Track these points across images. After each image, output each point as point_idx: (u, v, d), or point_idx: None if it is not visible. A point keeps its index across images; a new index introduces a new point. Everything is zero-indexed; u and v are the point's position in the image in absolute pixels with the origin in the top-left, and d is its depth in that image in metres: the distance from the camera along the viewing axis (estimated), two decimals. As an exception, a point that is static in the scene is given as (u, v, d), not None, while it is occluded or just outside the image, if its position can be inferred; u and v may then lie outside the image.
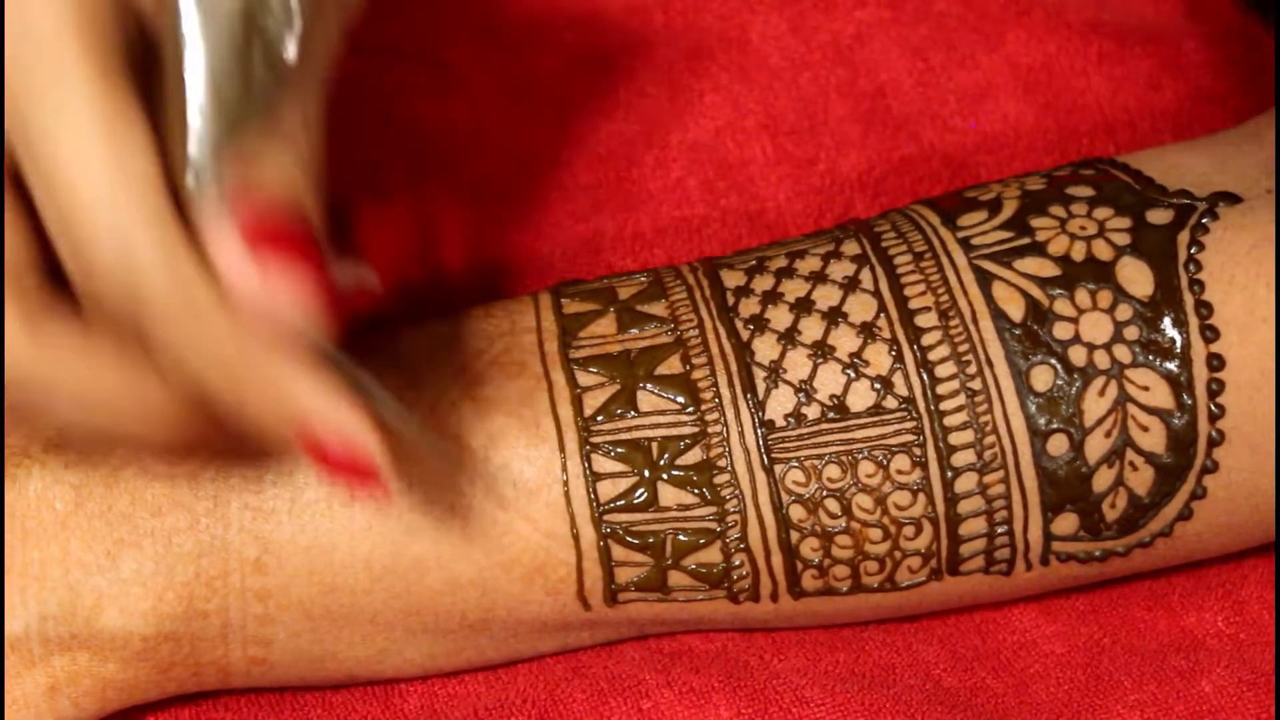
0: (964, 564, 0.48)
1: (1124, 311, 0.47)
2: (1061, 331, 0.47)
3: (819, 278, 0.48)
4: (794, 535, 0.47)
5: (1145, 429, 0.47)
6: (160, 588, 0.46)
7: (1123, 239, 0.48)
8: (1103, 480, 0.47)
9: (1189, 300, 0.47)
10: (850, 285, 0.48)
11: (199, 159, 0.39)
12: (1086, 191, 0.49)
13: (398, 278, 0.55)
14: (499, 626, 0.48)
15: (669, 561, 0.47)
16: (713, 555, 0.47)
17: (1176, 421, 0.47)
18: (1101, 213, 0.48)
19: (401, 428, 0.44)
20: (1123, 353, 0.47)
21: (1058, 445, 0.47)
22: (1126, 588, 0.52)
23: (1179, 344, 0.47)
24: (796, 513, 0.47)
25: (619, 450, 0.47)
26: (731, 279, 0.49)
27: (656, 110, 0.58)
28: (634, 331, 0.48)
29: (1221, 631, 0.51)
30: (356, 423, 0.41)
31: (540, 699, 0.48)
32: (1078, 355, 0.47)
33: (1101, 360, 0.47)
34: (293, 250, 0.40)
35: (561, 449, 0.47)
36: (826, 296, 0.48)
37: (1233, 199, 0.48)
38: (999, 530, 0.47)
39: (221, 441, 0.43)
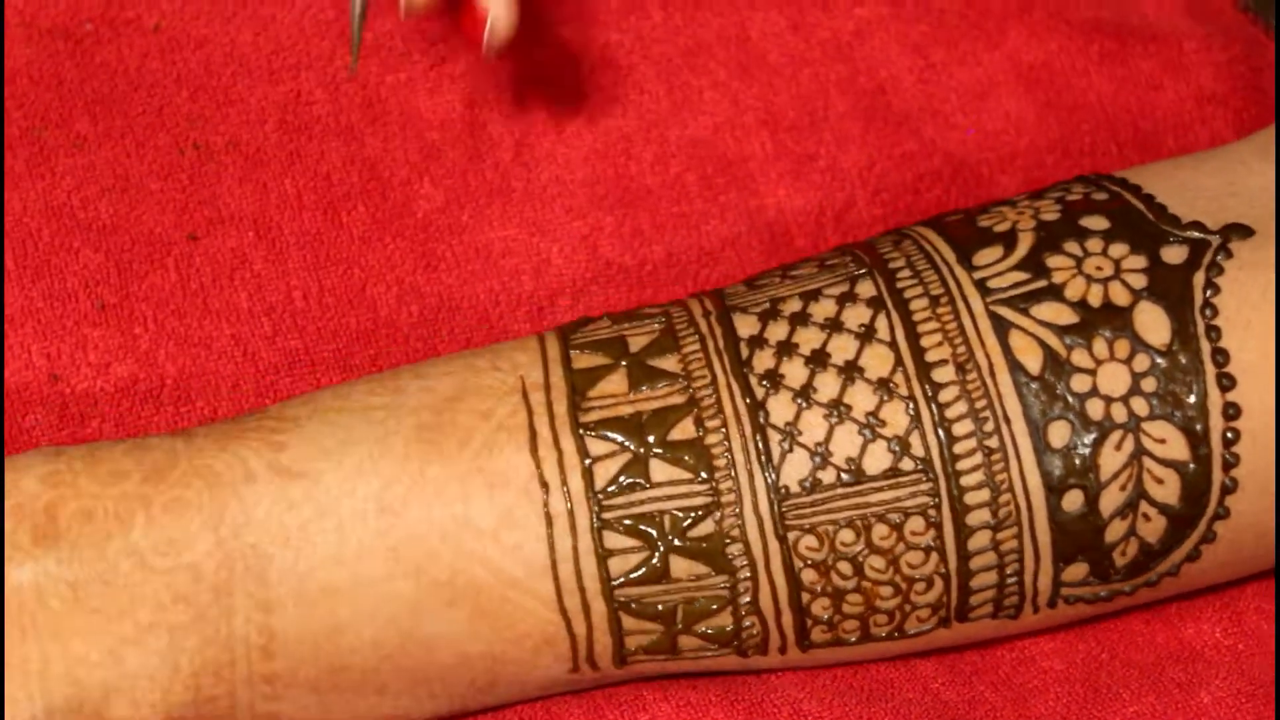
0: (973, 612, 0.47)
1: (1141, 362, 0.46)
2: (1079, 384, 0.46)
3: (834, 326, 0.47)
4: (805, 596, 0.46)
5: (1160, 481, 0.46)
6: (167, 680, 0.45)
7: (1139, 281, 0.47)
8: (1115, 531, 0.47)
9: (1206, 348, 0.46)
10: (866, 335, 0.47)
11: None
12: (1101, 224, 0.48)
13: (396, 280, 0.54)
14: (506, 687, 0.48)
15: (679, 628, 0.47)
16: (724, 620, 0.47)
17: (1191, 472, 0.46)
18: (1117, 250, 0.48)
19: None
20: (1140, 405, 0.46)
21: (1073, 500, 0.46)
22: (1124, 606, 0.51)
23: (1195, 394, 0.46)
24: (808, 576, 0.46)
25: (631, 525, 0.46)
26: (745, 326, 0.48)
27: (655, 106, 0.57)
28: (645, 390, 0.47)
29: (1220, 643, 0.51)
30: None
31: (537, 715, 0.48)
32: (1095, 409, 0.46)
33: (1119, 414, 0.46)
34: None
35: (573, 528, 0.46)
36: (842, 349, 0.47)
37: (1245, 231, 0.48)
38: (1009, 580, 0.47)
39: None
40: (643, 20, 0.58)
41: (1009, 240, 0.48)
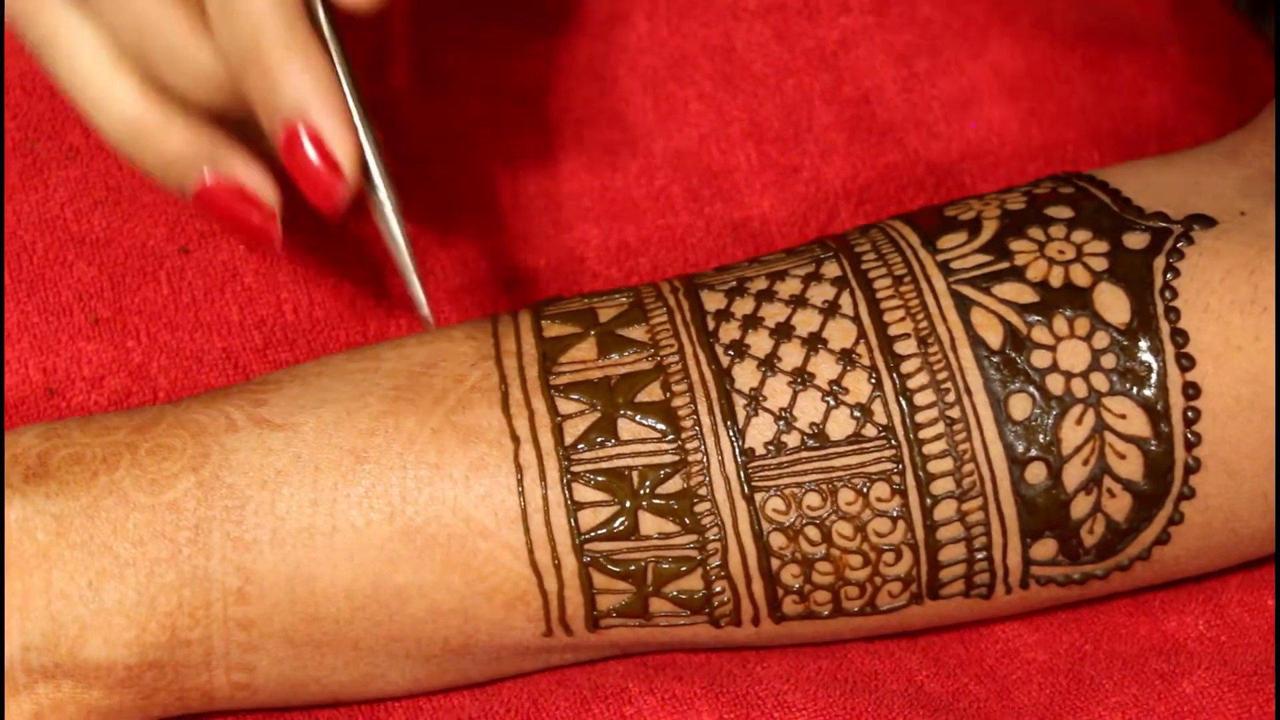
0: (944, 588, 0.48)
1: (1101, 339, 0.47)
2: (1039, 360, 0.47)
3: (799, 301, 0.48)
4: (774, 562, 0.47)
5: (1122, 456, 0.47)
6: (143, 618, 0.46)
7: (1100, 264, 0.48)
8: (1081, 507, 0.47)
9: (1165, 328, 0.47)
10: (830, 310, 0.48)
11: None
12: (1065, 213, 0.49)
13: (378, 287, 0.55)
14: (481, 650, 0.48)
15: (650, 589, 0.47)
16: (694, 583, 0.47)
17: (1153, 449, 0.47)
18: (1079, 235, 0.48)
19: (378, 186, 0.46)
20: (1100, 381, 0.47)
21: (1036, 473, 0.47)
22: (1108, 598, 0.52)
23: (1155, 372, 0.47)
24: (777, 540, 0.47)
25: (600, 479, 0.47)
26: (712, 301, 0.49)
27: (640, 118, 0.58)
28: (614, 357, 0.48)
29: (1202, 635, 0.51)
30: (344, 147, 0.44)
31: (524, 708, 0.48)
32: (1055, 383, 0.47)
33: (1079, 389, 0.47)
34: None
35: (543, 478, 0.47)
36: (806, 322, 0.48)
37: (1208, 222, 0.48)
38: (978, 556, 0.47)
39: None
40: (628, 32, 0.59)
41: (974, 227, 0.49)
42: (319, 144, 0.44)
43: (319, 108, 0.43)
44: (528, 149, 0.57)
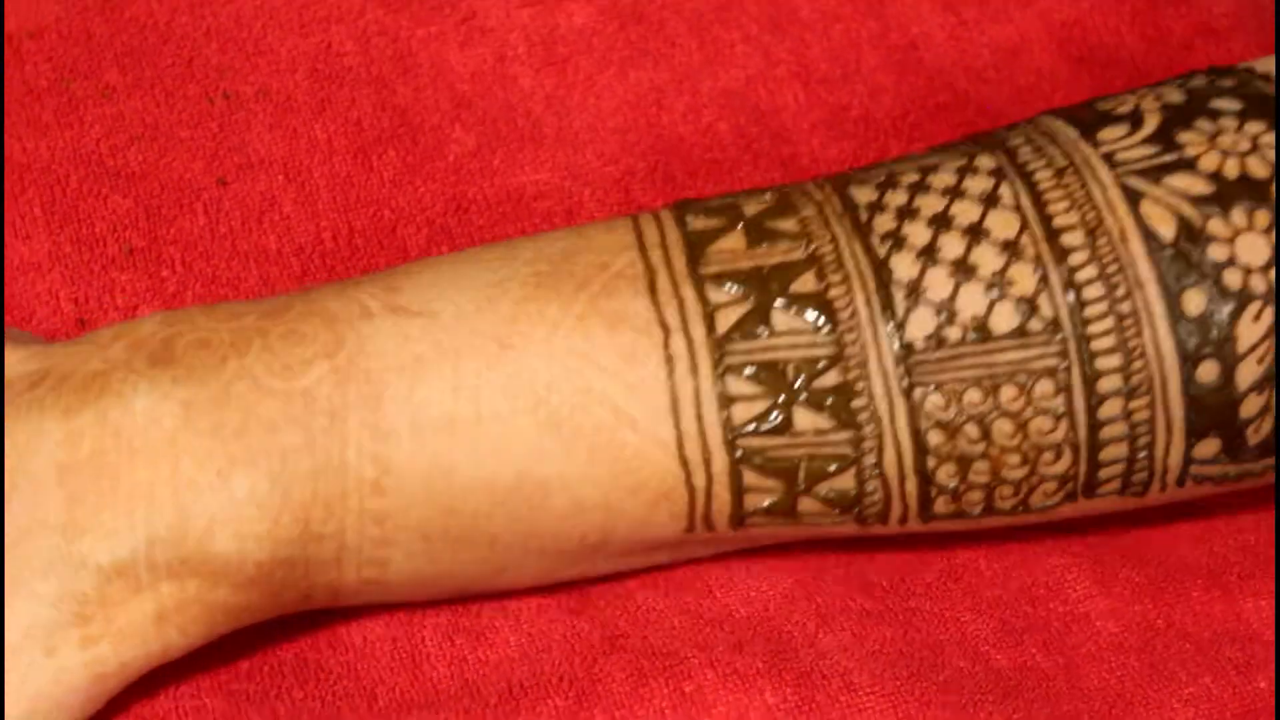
0: (1101, 486, 0.47)
1: None
2: (1216, 253, 0.45)
3: (955, 193, 0.47)
4: (930, 461, 0.45)
5: None
6: (276, 509, 0.44)
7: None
8: (1251, 406, 0.46)
9: None
10: (990, 200, 0.46)
11: None
12: (1233, 104, 0.47)
13: (426, 221, 0.54)
14: (618, 546, 0.47)
15: (801, 488, 0.46)
16: (846, 482, 0.46)
17: None
18: (1253, 127, 0.47)
19: None
20: None
21: (1208, 371, 0.45)
22: (1182, 567, 0.51)
23: None
24: (934, 438, 0.45)
25: (754, 371, 0.45)
26: (863, 195, 0.47)
27: (686, 59, 0.57)
28: (765, 247, 0.46)
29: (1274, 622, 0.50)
30: None
31: (578, 676, 0.47)
32: (1233, 279, 0.45)
33: (1257, 285, 0.45)
34: None
35: (694, 369, 0.45)
36: (966, 212, 0.46)
37: None
38: (1140, 455, 0.46)
39: None
40: (674, -26, 0.58)
41: (1134, 119, 0.47)
42: None
43: None
44: (573, 88, 0.56)
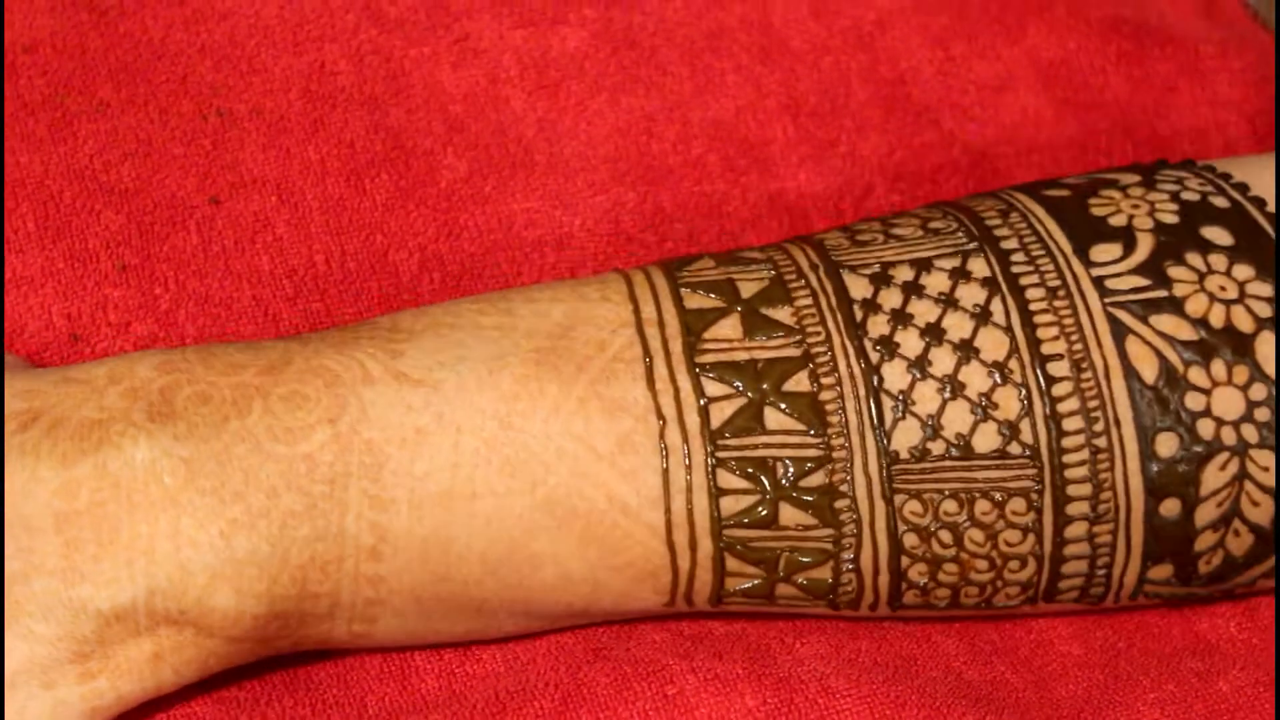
0: (1060, 595, 0.48)
1: (1258, 392, 0.47)
2: (1193, 402, 0.46)
3: (949, 302, 0.48)
4: (905, 560, 0.47)
5: (1256, 504, 0.47)
6: (275, 570, 0.45)
7: (1263, 310, 0.47)
8: (1205, 541, 0.47)
9: None
10: (982, 317, 0.47)
11: None
12: (1224, 238, 0.48)
13: (418, 247, 0.55)
14: (601, 614, 0.48)
15: (780, 576, 0.47)
16: (823, 573, 0.47)
17: None
18: (1241, 272, 0.48)
19: None
20: (1250, 433, 0.46)
21: (1170, 507, 0.47)
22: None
23: None
24: (910, 540, 0.47)
25: (744, 467, 0.46)
26: (857, 288, 0.48)
27: (678, 88, 0.57)
28: (761, 339, 0.47)
29: (1235, 637, 0.51)
30: None
31: (563, 682, 0.48)
32: (1206, 428, 0.46)
33: (1228, 437, 0.46)
34: None
35: (688, 460, 0.46)
36: (958, 327, 0.47)
37: None
38: (1099, 571, 0.48)
39: None
40: (666, 3, 0.58)
41: (1127, 239, 0.48)
42: None
43: None
44: (564, 113, 0.57)
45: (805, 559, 0.47)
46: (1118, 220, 0.49)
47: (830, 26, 0.59)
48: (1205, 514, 0.47)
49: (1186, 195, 0.49)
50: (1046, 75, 0.59)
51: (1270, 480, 0.47)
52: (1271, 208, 0.49)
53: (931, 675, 0.49)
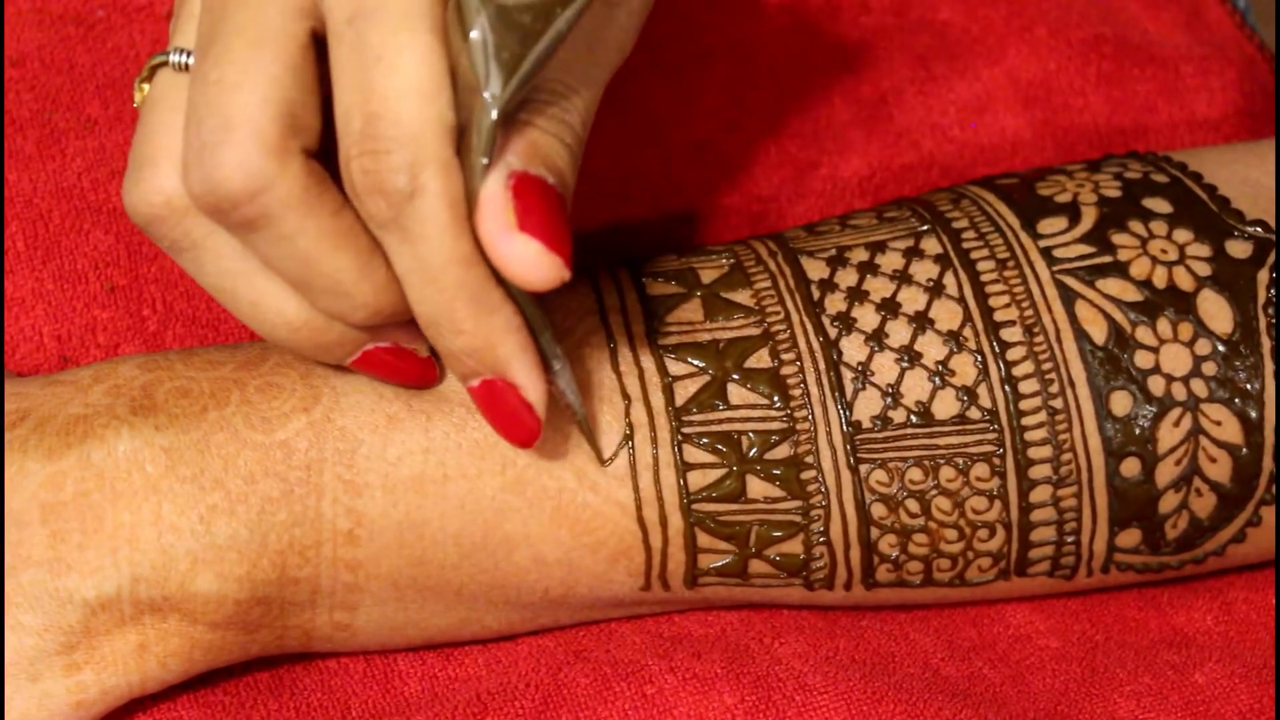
0: (1031, 566, 0.49)
1: (1203, 346, 0.48)
2: (1142, 360, 0.48)
3: (903, 278, 0.49)
4: (874, 531, 0.48)
5: (1213, 460, 0.48)
6: (255, 554, 0.46)
7: (1203, 269, 0.49)
8: (1169, 503, 0.48)
9: (1266, 344, 0.48)
10: (935, 290, 0.49)
11: (486, 129, 0.41)
12: (1164, 207, 0.50)
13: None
14: (578, 601, 0.49)
15: (752, 551, 0.48)
16: (794, 547, 0.48)
17: (1243, 456, 0.48)
18: (1181, 235, 0.49)
19: (573, 408, 0.46)
20: (1199, 387, 0.48)
21: (1130, 467, 0.48)
22: (1117, 590, 0.53)
23: (1253, 385, 0.48)
24: (878, 510, 0.48)
25: (710, 442, 0.47)
26: (814, 270, 0.50)
27: (659, 108, 0.58)
28: (721, 320, 0.49)
29: (1211, 629, 0.52)
30: (538, 394, 0.44)
31: (544, 683, 0.48)
32: (1156, 385, 0.48)
33: (1179, 392, 0.48)
34: (547, 226, 0.42)
35: (654, 437, 0.47)
36: (912, 300, 0.49)
37: None
38: (1068, 539, 0.49)
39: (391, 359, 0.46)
40: (649, 23, 0.59)
41: (1072, 212, 0.50)
42: (516, 394, 0.45)
43: (519, 367, 0.44)
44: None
45: (776, 532, 0.48)
46: (1063, 198, 0.50)
47: (813, 45, 0.59)
48: (1165, 473, 0.48)
49: (1129, 175, 0.51)
50: (1026, 95, 0.59)
51: (1224, 435, 0.48)
52: (1223, 192, 0.50)
53: (909, 672, 0.49)
